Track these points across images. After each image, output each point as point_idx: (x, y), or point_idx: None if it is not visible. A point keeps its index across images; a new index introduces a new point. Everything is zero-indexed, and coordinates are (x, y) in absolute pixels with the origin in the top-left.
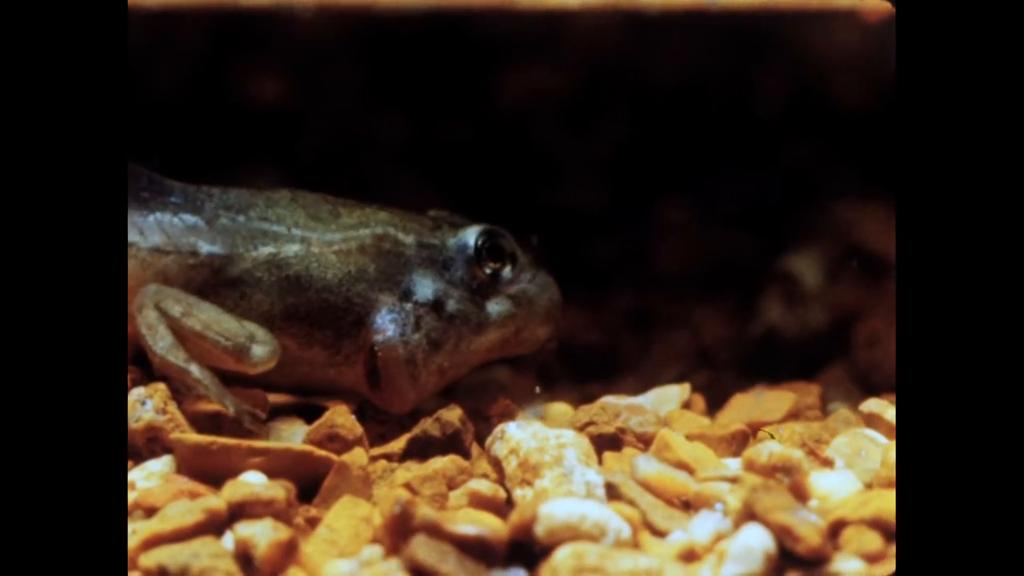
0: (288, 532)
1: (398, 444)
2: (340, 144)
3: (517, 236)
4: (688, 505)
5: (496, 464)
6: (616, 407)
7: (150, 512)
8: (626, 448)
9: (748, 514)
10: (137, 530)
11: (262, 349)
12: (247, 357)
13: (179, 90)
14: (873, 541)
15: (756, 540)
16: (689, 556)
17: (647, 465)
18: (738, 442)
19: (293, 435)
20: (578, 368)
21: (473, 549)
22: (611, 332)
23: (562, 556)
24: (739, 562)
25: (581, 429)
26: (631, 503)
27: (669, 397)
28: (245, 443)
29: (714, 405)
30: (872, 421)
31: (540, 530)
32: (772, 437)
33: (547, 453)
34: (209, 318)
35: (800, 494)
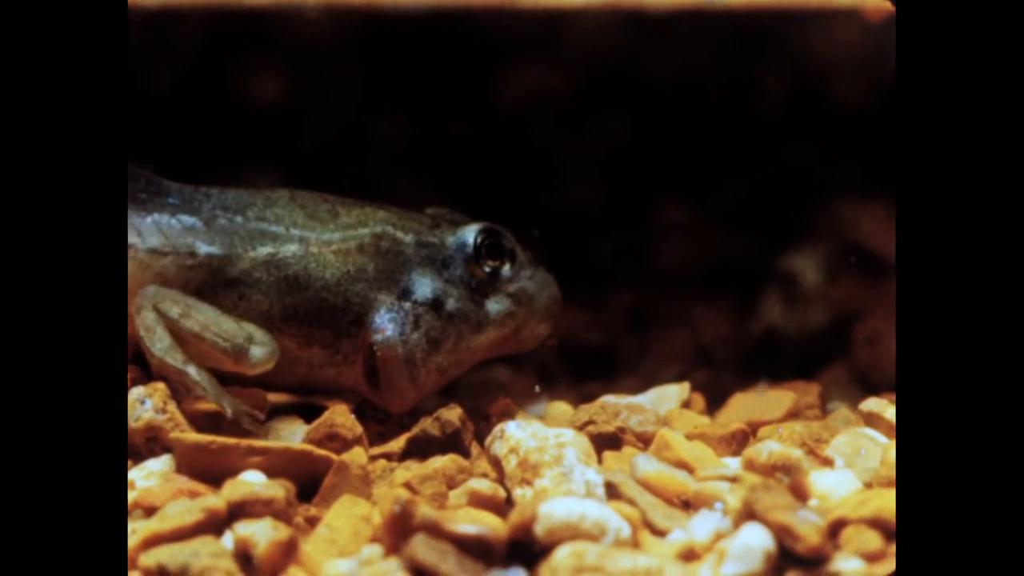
0: (288, 531)
1: (398, 443)
2: (340, 143)
3: (519, 233)
4: (688, 504)
5: (496, 463)
6: (616, 406)
7: (150, 511)
8: (626, 447)
9: (748, 513)
10: (137, 529)
11: (261, 350)
12: (246, 358)
13: (179, 90)
14: (873, 540)
15: (756, 539)
16: (689, 555)
17: (647, 464)
18: (738, 441)
19: (292, 434)
20: (578, 367)
21: (473, 548)
22: (611, 331)
23: (562, 555)
24: (739, 561)
25: (581, 428)
26: (631, 502)
27: (669, 396)
28: (245, 442)
29: (714, 404)
30: (872, 420)
31: (540, 529)
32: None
33: (547, 452)
34: (207, 319)
35: (800, 493)
